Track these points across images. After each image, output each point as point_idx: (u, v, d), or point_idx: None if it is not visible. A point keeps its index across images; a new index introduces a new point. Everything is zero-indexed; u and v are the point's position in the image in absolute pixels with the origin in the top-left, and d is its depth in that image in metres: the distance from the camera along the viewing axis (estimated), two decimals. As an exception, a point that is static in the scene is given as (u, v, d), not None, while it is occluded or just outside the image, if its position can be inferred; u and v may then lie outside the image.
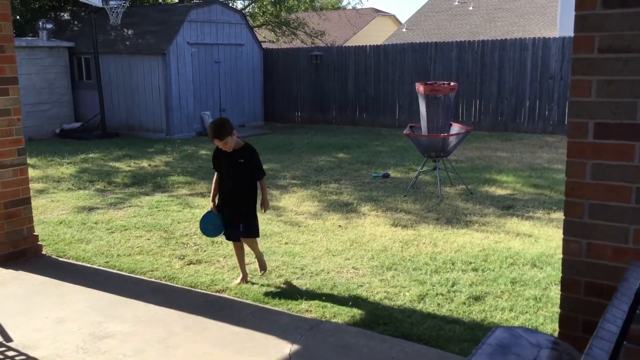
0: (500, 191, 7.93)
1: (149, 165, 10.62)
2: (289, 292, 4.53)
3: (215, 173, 4.80)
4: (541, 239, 5.75)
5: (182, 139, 14.26)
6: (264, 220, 6.61)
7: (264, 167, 4.82)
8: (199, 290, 4.60)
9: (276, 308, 4.24)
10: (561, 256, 5.12)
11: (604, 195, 2.56)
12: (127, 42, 15.10)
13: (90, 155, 11.76)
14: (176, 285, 4.69)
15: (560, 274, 2.77)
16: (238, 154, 4.61)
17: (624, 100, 2.47)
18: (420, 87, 7.94)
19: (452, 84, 8.02)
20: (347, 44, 22.52)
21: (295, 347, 3.63)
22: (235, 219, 4.70)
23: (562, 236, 5.93)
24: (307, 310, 4.19)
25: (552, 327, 3.82)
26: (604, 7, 2.46)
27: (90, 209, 7.33)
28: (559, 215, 6.62)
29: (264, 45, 18.86)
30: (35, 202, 7.29)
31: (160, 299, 4.36)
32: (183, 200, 7.72)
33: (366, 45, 16.16)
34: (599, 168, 2.55)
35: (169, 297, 4.43)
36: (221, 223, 4.72)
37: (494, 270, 4.90)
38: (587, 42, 2.54)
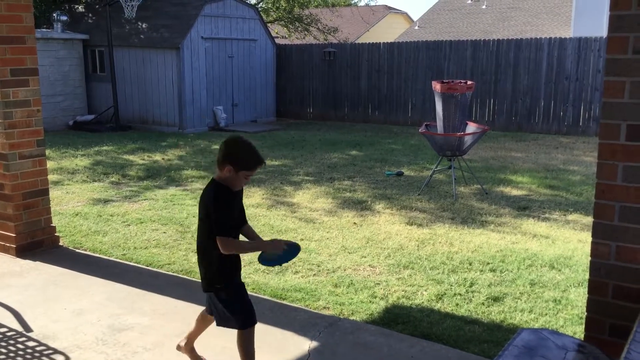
0: (515, 192, 7.89)
1: (163, 158, 10.64)
2: (306, 288, 4.52)
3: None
4: (558, 241, 5.72)
5: (194, 133, 14.28)
6: (279, 217, 6.61)
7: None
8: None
9: (294, 304, 4.23)
10: (579, 258, 5.11)
11: (635, 198, 2.53)
12: (142, 36, 15.12)
13: (104, 147, 11.80)
14: (194, 279, 4.69)
15: (587, 276, 2.75)
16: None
17: (658, 103, 2.43)
18: (437, 86, 7.90)
19: (469, 82, 7.98)
20: (359, 41, 22.47)
21: (314, 344, 3.62)
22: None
23: (580, 237, 5.88)
24: (324, 307, 4.19)
25: (572, 330, 3.79)
26: (640, 8, 2.43)
27: (106, 201, 7.35)
28: (576, 217, 6.58)
29: (277, 41, 18.84)
30: (51, 194, 7.28)
31: (178, 293, 4.37)
32: (197, 195, 7.70)
33: (380, 42, 16.10)
34: (631, 171, 2.53)
35: (187, 290, 4.44)
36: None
37: (512, 271, 4.88)
38: (622, 42, 2.51)
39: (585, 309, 2.80)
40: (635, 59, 2.48)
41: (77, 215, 6.67)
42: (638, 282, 2.58)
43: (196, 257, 3.14)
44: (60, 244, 5.57)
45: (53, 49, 14.80)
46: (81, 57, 15.55)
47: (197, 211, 3.09)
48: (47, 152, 10.92)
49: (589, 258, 2.72)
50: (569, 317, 4.00)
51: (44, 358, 3.46)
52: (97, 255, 5.34)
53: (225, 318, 3.05)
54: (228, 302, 3.01)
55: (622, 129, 2.54)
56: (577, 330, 3.75)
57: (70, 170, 9.39)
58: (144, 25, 15.22)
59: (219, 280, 3.01)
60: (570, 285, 4.54)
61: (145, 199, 7.49)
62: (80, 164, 9.89)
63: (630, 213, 2.55)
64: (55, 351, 3.53)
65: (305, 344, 3.61)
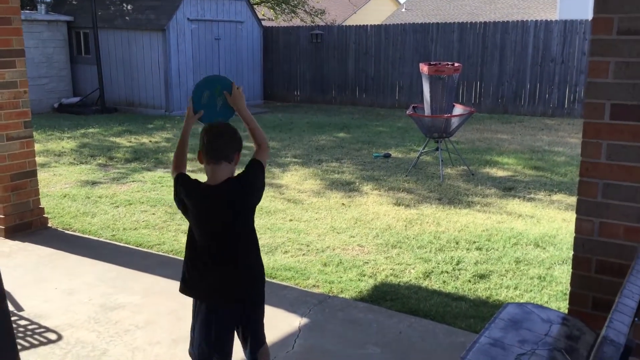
0: (501, 173, 7.98)
1: (150, 141, 10.60)
2: (296, 267, 4.57)
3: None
4: (543, 220, 5.82)
5: (181, 116, 14.20)
6: (267, 198, 6.64)
7: None
8: (207, 265, 4.64)
9: (284, 283, 4.29)
10: (563, 237, 5.22)
11: (618, 175, 2.59)
12: (127, 17, 14.95)
13: (90, 130, 11.72)
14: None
15: (571, 254, 2.82)
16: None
17: (641, 82, 2.49)
18: (424, 68, 7.93)
19: (456, 64, 8.02)
20: (346, 23, 22.37)
21: (304, 320, 3.69)
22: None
23: (564, 217, 5.98)
24: (314, 286, 4.25)
25: (556, 305, 3.89)
26: (625, -12, 2.47)
27: (94, 183, 7.34)
28: (560, 197, 6.69)
29: (264, 24, 18.72)
30: (38, 176, 7.25)
31: (168, 272, 4.40)
32: (186, 177, 7.72)
33: (367, 25, 16.06)
34: (615, 149, 2.59)
35: (177, 270, 4.43)
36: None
37: (497, 249, 4.97)
38: (607, 23, 2.55)
39: (569, 285, 2.87)
40: (620, 40, 2.53)
41: (65, 197, 6.66)
42: (620, 256, 2.66)
43: (185, 238, 2.83)
44: (49, 225, 5.57)
45: (37, 30, 14.60)
46: (66, 39, 15.36)
47: (229, 216, 2.54)
48: (34, 134, 10.84)
49: (573, 235, 2.79)
50: (553, 293, 4.10)
51: (36, 336, 3.49)
52: (86, 236, 5.35)
53: (263, 332, 2.71)
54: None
55: (606, 108, 2.59)
56: (561, 306, 3.85)
57: (57, 152, 9.33)
58: (129, 7, 15.05)
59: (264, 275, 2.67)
60: (555, 263, 4.63)
61: (133, 181, 7.48)
62: (67, 147, 9.83)
63: (614, 190, 2.62)
64: (48, 329, 3.56)
65: (296, 321, 3.67)
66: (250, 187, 2.56)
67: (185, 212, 2.63)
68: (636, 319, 2.46)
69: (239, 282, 2.59)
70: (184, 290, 2.68)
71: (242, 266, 2.59)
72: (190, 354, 2.65)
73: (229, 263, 2.57)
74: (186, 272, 2.67)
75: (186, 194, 2.57)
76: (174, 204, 2.71)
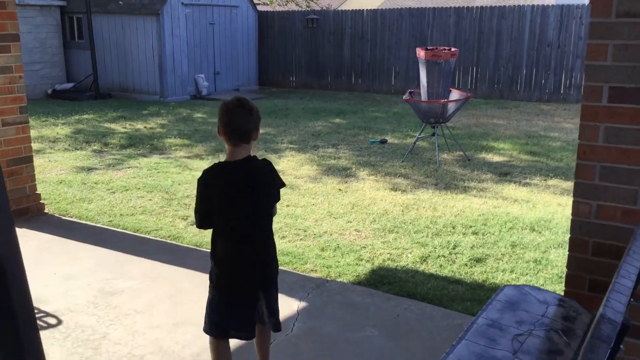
0: (497, 158, 8.00)
1: (145, 127, 10.56)
2: (294, 252, 4.59)
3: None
4: (539, 205, 5.85)
5: (176, 102, 14.15)
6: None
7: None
8: (205, 250, 4.64)
9: (282, 267, 4.30)
10: (558, 221, 5.25)
11: (615, 158, 2.61)
12: (120, 2, 14.82)
13: (85, 116, 11.67)
14: (182, 245, 4.74)
15: (567, 238, 2.84)
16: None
17: (639, 65, 2.50)
18: (420, 53, 7.91)
19: (452, 49, 8.01)
20: (342, 8, 22.25)
21: (302, 304, 3.71)
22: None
23: (559, 201, 6.02)
24: (312, 270, 4.27)
25: (552, 288, 3.92)
26: (624, -29, 2.47)
27: (89, 169, 7.32)
28: (556, 182, 6.72)
29: (258, 8, 18.59)
30: (34, 162, 7.25)
31: (167, 257, 4.42)
32: (182, 163, 7.72)
33: (363, 10, 15.98)
34: (612, 131, 2.60)
35: (175, 255, 4.49)
36: None
37: (493, 233, 4.99)
38: (606, 6, 2.55)
39: (564, 268, 2.90)
40: (619, 22, 2.53)
41: (61, 183, 6.64)
42: (617, 239, 2.68)
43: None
44: (46, 211, 5.57)
45: (30, 15, 14.46)
46: (59, 24, 15.23)
47: (257, 194, 2.57)
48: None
49: (569, 220, 2.81)
50: (549, 276, 4.13)
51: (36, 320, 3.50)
52: (83, 222, 5.35)
53: (278, 313, 2.77)
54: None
55: (604, 91, 2.60)
56: (557, 289, 3.88)
57: (52, 138, 9.29)
58: (122, -9, 14.91)
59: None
60: (550, 247, 4.67)
61: (129, 167, 7.47)
62: (62, 133, 9.79)
63: (611, 172, 2.63)
64: (47, 314, 3.57)
65: (294, 305, 3.69)
66: (271, 172, 2.65)
67: (213, 206, 2.53)
68: (632, 299, 2.50)
69: (273, 259, 2.72)
70: (227, 287, 2.63)
71: (271, 243, 2.72)
72: (207, 331, 2.66)
73: (263, 240, 2.66)
74: (223, 267, 2.62)
75: (215, 179, 2.53)
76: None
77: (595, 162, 2.67)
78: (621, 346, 1.80)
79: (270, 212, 2.70)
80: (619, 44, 2.54)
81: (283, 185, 2.73)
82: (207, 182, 2.51)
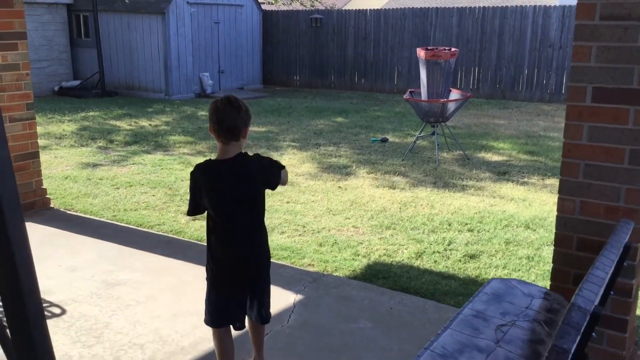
0: (496, 157, 8.09)
1: (149, 124, 10.69)
2: (292, 247, 4.70)
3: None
4: (535, 203, 5.94)
5: (180, 100, 14.29)
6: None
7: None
8: (205, 244, 4.76)
9: (280, 262, 4.42)
10: (553, 219, 5.32)
11: (599, 156, 2.71)
12: (126, 0, 14.96)
13: (90, 113, 11.81)
14: (183, 239, 4.86)
15: (554, 233, 2.94)
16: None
17: (622, 66, 2.59)
18: (421, 53, 8.01)
19: (452, 49, 8.10)
20: (346, 7, 22.34)
21: (299, 297, 3.82)
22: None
23: (555, 201, 6.12)
24: (309, 265, 4.38)
25: (543, 284, 4.01)
26: (608, -24, 2.57)
27: (94, 166, 7.45)
28: (553, 181, 6.80)
29: (263, 7, 18.71)
30: (40, 158, 7.39)
31: (168, 251, 4.53)
32: (185, 160, 7.84)
33: (366, 9, 16.07)
34: (596, 130, 2.70)
35: (177, 249, 4.60)
36: None
37: (488, 231, 5.09)
38: (590, 9, 2.65)
39: (554, 263, 3.00)
40: (602, 25, 2.63)
41: (66, 178, 6.77)
42: (600, 234, 2.78)
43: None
44: (52, 205, 5.70)
45: (37, 13, 14.62)
46: (65, 22, 15.39)
47: (244, 192, 2.66)
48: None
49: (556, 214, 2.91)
50: (541, 272, 4.23)
51: (41, 311, 3.62)
52: (88, 216, 5.48)
53: (268, 305, 2.85)
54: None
55: (587, 91, 2.70)
56: (547, 284, 3.96)
57: (58, 135, 9.43)
58: (128, -10, 15.05)
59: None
60: (544, 244, 4.76)
61: (133, 164, 7.59)
62: (68, 129, 9.93)
63: (594, 170, 2.73)
64: (52, 304, 3.69)
65: (291, 297, 3.80)
66: (261, 160, 2.71)
67: (202, 200, 2.65)
68: (612, 293, 2.60)
69: (262, 252, 2.80)
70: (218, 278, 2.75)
71: (260, 236, 2.79)
72: (206, 322, 2.78)
73: (252, 234, 2.73)
74: (215, 260, 2.75)
75: (204, 175, 2.63)
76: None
77: (579, 160, 2.77)
78: (593, 334, 1.90)
79: (261, 208, 2.78)
80: (602, 46, 2.64)
81: (282, 166, 2.78)
82: (196, 178, 2.64)
